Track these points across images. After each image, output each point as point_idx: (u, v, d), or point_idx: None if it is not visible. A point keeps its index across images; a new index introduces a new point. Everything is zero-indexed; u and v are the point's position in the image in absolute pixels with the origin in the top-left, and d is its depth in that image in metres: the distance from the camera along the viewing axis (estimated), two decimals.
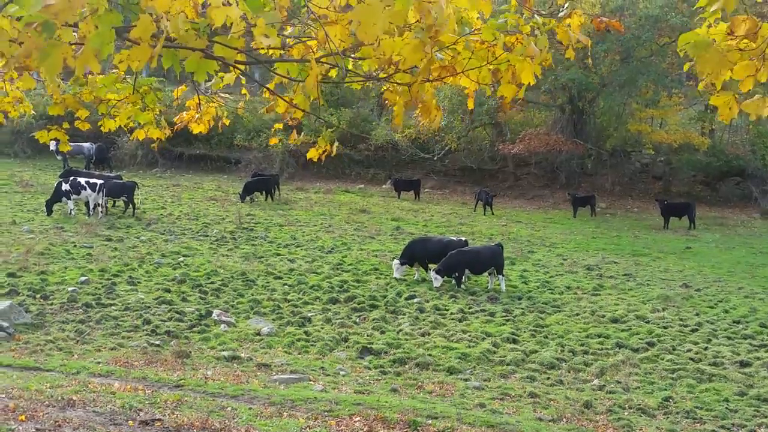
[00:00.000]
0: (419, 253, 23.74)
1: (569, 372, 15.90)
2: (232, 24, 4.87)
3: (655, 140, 49.06)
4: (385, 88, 6.21)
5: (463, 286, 22.52)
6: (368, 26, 4.69)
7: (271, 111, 6.92)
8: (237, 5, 4.88)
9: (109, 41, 4.67)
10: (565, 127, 50.20)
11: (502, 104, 6.75)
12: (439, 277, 22.29)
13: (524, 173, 51.30)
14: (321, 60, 5.98)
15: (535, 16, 5.84)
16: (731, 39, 5.12)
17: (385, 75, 5.82)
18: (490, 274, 23.11)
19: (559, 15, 6.11)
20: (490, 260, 22.95)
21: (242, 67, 6.49)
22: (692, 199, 44.55)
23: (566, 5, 6.04)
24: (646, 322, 19.73)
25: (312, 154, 7.11)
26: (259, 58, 6.32)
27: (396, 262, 23.62)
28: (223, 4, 4.65)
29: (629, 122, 49.83)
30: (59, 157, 47.12)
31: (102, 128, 8.89)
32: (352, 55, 5.94)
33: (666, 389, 14.89)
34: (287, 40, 6.07)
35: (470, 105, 7.37)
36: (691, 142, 48.66)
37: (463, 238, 25.55)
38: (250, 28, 5.19)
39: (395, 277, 23.23)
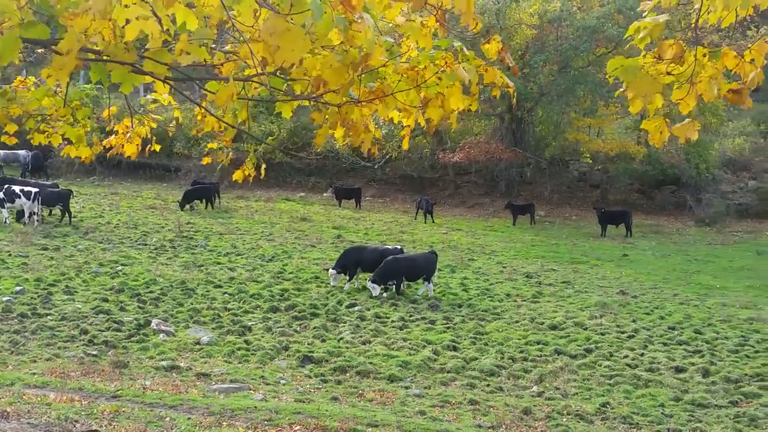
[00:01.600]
0: (354, 262, 23.70)
1: (509, 379, 16.02)
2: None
3: (592, 149, 49.74)
4: (312, 105, 6.21)
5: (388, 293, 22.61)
6: (287, 51, 4.68)
7: (201, 132, 6.90)
8: (160, 21, 4.85)
9: (12, 50, 4.61)
10: (505, 135, 50.66)
11: (429, 128, 6.77)
12: (376, 285, 22.29)
13: (464, 181, 51.66)
14: (251, 79, 5.97)
15: (464, 48, 5.89)
16: (659, 63, 5.25)
17: (314, 95, 5.82)
18: (425, 280, 23.23)
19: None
20: (425, 267, 23.09)
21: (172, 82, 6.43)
22: (629, 207, 45.23)
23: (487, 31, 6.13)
24: (584, 329, 19.98)
25: (237, 175, 7.07)
26: (189, 75, 6.28)
27: (332, 270, 23.57)
28: (138, 18, 4.60)
29: (567, 131, 50.41)
30: None
31: (32, 142, 8.73)
32: (281, 75, 5.93)
33: (603, 395, 15.07)
34: (215, 58, 6.02)
35: (405, 146, 7.39)
36: (627, 151, 49.38)
37: (399, 246, 25.63)
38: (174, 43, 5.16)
39: (332, 285, 23.19)
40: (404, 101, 5.91)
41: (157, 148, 8.77)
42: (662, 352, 18.26)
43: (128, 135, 7.84)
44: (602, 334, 19.58)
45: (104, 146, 8.19)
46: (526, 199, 47.07)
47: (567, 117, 49.74)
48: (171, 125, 9.58)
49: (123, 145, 8.10)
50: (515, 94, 6.31)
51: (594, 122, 51.71)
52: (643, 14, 5.49)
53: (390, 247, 25.51)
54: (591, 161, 50.01)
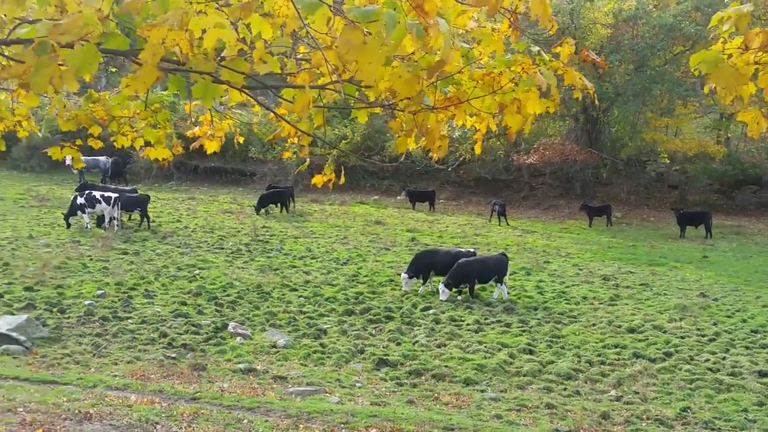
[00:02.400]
0: (426, 265, 23.63)
1: (586, 383, 15.83)
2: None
3: (670, 149, 48.89)
4: (384, 112, 6.19)
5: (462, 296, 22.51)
6: (365, 65, 4.67)
7: (278, 137, 6.93)
8: (236, 29, 4.89)
9: (91, 61, 4.69)
10: (580, 136, 50.15)
11: (508, 135, 6.71)
12: (447, 290, 22.17)
13: (539, 183, 51.23)
14: (325, 87, 5.98)
15: (542, 52, 5.81)
16: (746, 53, 5.11)
17: (388, 102, 5.80)
18: (496, 282, 23.08)
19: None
20: (496, 269, 22.95)
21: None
22: (708, 207, 44.32)
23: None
24: (663, 332, 19.63)
25: (317, 180, 7.08)
26: (267, 84, 6.32)
27: (404, 275, 23.54)
28: (215, 26, 4.65)
29: (644, 131, 49.70)
30: (75, 172, 47.39)
31: (115, 144, 8.93)
32: (356, 81, 5.93)
33: (684, 399, 14.80)
34: (288, 66, 6.05)
35: (477, 150, 7.32)
36: (706, 150, 48.45)
37: (472, 249, 25.50)
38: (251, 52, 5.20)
39: (404, 290, 23.16)
40: (480, 107, 5.86)
41: (241, 139, 8.88)
42: (744, 355, 17.84)
43: (209, 132, 7.94)
44: (682, 337, 19.21)
45: (188, 137, 8.30)
46: (602, 201, 46.46)
47: (643, 117, 49.05)
48: (254, 121, 9.73)
49: (204, 141, 8.19)
50: (595, 94, 6.19)
51: (671, 122, 50.89)
52: (725, 2, 5.36)
53: (463, 249, 25.40)
54: (669, 161, 49.09)
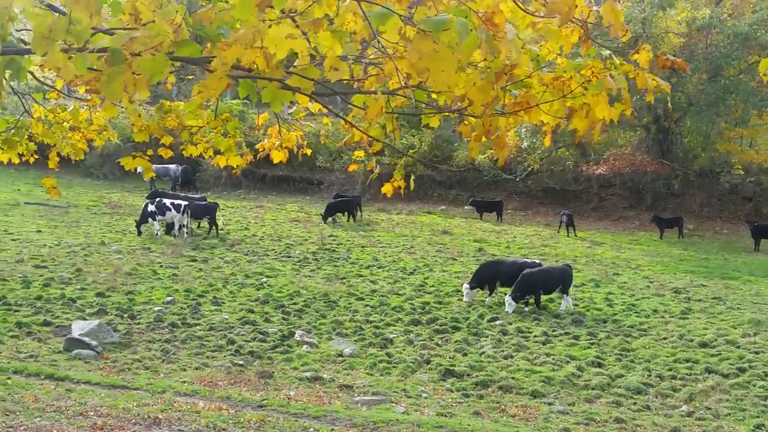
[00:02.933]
0: (490, 276, 23.43)
1: (657, 397, 15.52)
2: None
3: (744, 160, 47.87)
4: (455, 117, 6.15)
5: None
6: (437, 73, 4.64)
7: (349, 143, 6.92)
8: (307, 39, 4.90)
9: (162, 69, 4.73)
10: (651, 147, 49.38)
11: (575, 137, 6.64)
12: (513, 302, 21.90)
13: (609, 194, 50.50)
14: (396, 92, 5.96)
15: (613, 56, 5.70)
16: None
17: (459, 107, 5.75)
18: (562, 292, 22.80)
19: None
20: (560, 279, 22.68)
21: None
22: None
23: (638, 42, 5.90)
24: (736, 347, 19.16)
25: (387, 188, 7.04)
26: (335, 89, 6.32)
27: (465, 285, 23.37)
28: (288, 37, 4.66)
29: (717, 142, 48.78)
30: (146, 180, 48.19)
31: (184, 153, 9.03)
32: (425, 87, 5.90)
33: (758, 416, 14.40)
34: (361, 71, 6.04)
35: (547, 143, 7.22)
36: None
37: (537, 261, 25.24)
38: (323, 60, 5.20)
39: (465, 301, 23.00)
40: (549, 111, 5.78)
41: (308, 151, 8.93)
42: None
43: (277, 143, 7.98)
44: (756, 352, 18.72)
45: (256, 149, 8.38)
46: (673, 212, 45.68)
47: (717, 127, 48.10)
48: (321, 132, 9.82)
49: (271, 151, 8.24)
50: (669, 99, 6.06)
51: (746, 132, 49.84)
52: None
53: (528, 260, 25.17)
54: (743, 173, 48.05)
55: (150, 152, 9.39)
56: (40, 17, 4.60)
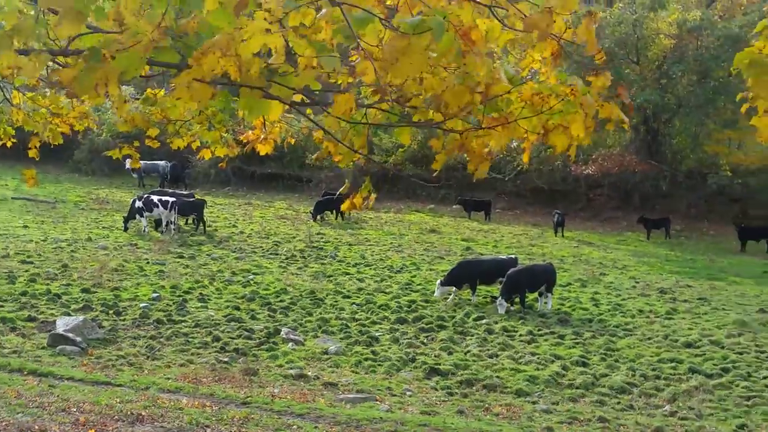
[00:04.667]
0: (468, 275, 23.48)
1: (640, 397, 15.58)
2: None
3: (732, 162, 48.03)
4: (428, 131, 6.17)
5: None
6: (405, 65, 4.64)
7: (321, 157, 6.91)
8: (286, 41, 4.91)
9: (136, 66, 4.74)
10: (640, 147, 49.55)
11: (553, 152, 6.65)
12: (505, 303, 21.94)
13: (597, 194, 50.57)
14: (373, 106, 5.98)
15: (579, 83, 5.71)
16: None
17: (436, 121, 5.76)
18: (540, 293, 22.88)
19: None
20: (544, 277, 22.79)
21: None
22: None
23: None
24: (720, 348, 19.23)
25: (346, 206, 6.98)
26: (314, 99, 6.32)
27: (438, 282, 23.52)
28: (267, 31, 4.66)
29: (706, 143, 48.96)
30: (135, 175, 48.14)
31: (171, 146, 9.02)
32: (400, 102, 5.90)
33: (741, 417, 14.47)
34: (338, 81, 6.04)
35: (525, 159, 7.22)
36: None
37: (514, 256, 25.31)
38: (298, 61, 5.20)
39: (436, 296, 23.12)
40: (527, 127, 5.79)
41: (292, 141, 8.93)
42: None
43: (261, 136, 7.97)
44: (740, 353, 18.80)
45: (241, 141, 8.36)
46: (660, 213, 45.79)
47: (706, 129, 48.27)
48: (303, 126, 9.77)
49: (256, 143, 8.24)
50: (628, 125, 6.06)
51: (734, 134, 49.99)
52: None
53: (505, 257, 25.27)
54: (731, 174, 48.22)
55: (137, 143, 9.37)
56: (7, 15, 4.61)
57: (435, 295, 23.18)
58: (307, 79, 5.21)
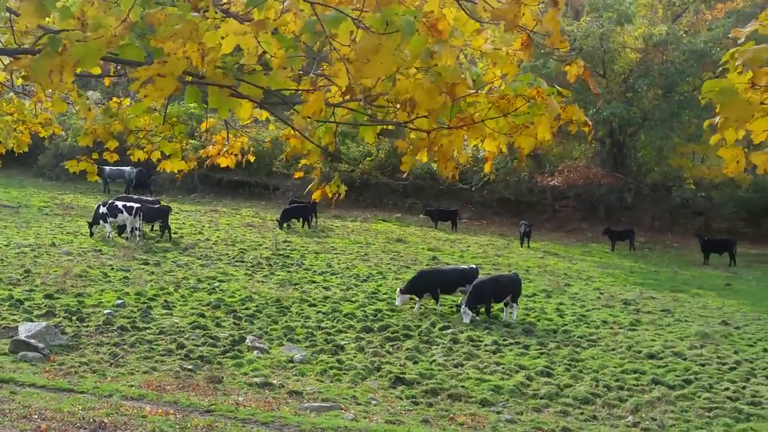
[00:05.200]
0: (428, 285, 23.55)
1: (604, 407, 15.68)
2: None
3: (696, 175, 48.70)
4: (394, 129, 6.21)
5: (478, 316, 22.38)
6: (376, 65, 4.66)
7: (290, 156, 6.93)
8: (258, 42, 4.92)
9: (93, 56, 4.71)
10: (605, 160, 50.01)
11: (519, 156, 6.67)
12: (470, 312, 22.05)
13: (563, 206, 50.94)
14: (342, 105, 6.00)
15: (543, 84, 5.78)
16: (753, 92, 5.03)
17: (404, 120, 5.79)
18: (505, 303, 23.00)
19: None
20: (509, 287, 22.90)
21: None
22: (733, 235, 43.88)
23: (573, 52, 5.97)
24: (683, 359, 19.42)
25: (317, 195, 7.03)
26: (284, 98, 6.33)
27: (399, 291, 23.67)
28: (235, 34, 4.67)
29: (670, 157, 49.51)
30: (100, 181, 47.69)
31: (131, 158, 8.96)
32: (368, 102, 5.92)
33: (702, 428, 14.62)
34: (302, 84, 6.05)
35: (487, 168, 7.27)
36: (732, 178, 48.15)
37: (474, 266, 25.40)
38: (269, 62, 5.21)
39: (397, 305, 23.23)
40: (493, 128, 5.83)
41: (252, 158, 8.92)
42: (765, 385, 17.61)
43: (224, 150, 7.96)
44: (702, 365, 19.00)
45: (201, 156, 8.34)
46: (625, 225, 46.24)
47: (670, 142, 48.77)
48: (267, 141, 9.76)
49: (218, 156, 8.22)
50: (591, 130, 6.15)
51: (699, 148, 50.58)
52: (739, 42, 5.29)
53: (466, 267, 25.39)
54: (694, 188, 48.82)
55: (95, 155, 9.29)
56: None
57: (396, 303, 23.22)
58: (279, 81, 5.21)
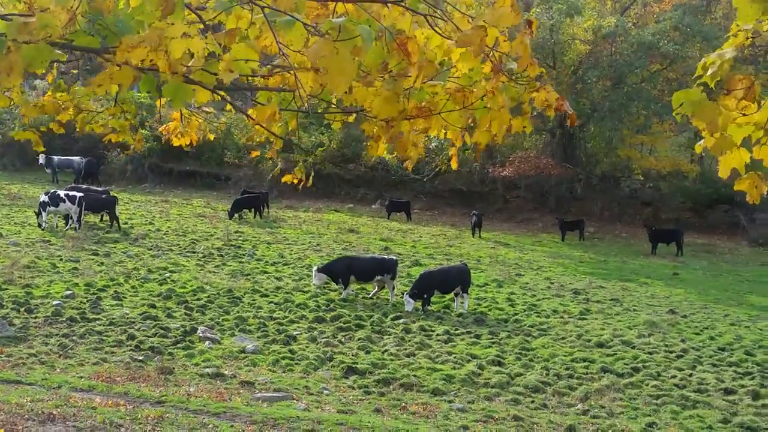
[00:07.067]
0: (346, 270, 23.65)
1: (554, 396, 15.86)
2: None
3: (644, 166, 49.35)
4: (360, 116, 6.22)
5: (429, 307, 22.47)
6: (335, 75, 4.64)
7: (252, 141, 6.92)
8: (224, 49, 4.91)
9: (43, 59, 4.68)
10: (555, 151, 50.45)
11: (476, 150, 6.71)
12: (411, 300, 22.12)
13: (514, 196, 51.35)
14: (296, 110, 6.01)
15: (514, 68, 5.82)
16: (728, 97, 5.10)
17: (361, 108, 5.79)
18: (456, 294, 23.13)
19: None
20: (459, 278, 23.01)
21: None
22: (680, 225, 44.61)
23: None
24: (631, 348, 19.71)
25: (287, 178, 7.06)
26: (240, 85, 6.31)
27: (314, 268, 23.99)
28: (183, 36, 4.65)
29: (619, 148, 50.12)
30: (48, 171, 47.09)
31: (77, 128, 8.81)
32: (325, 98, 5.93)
33: (650, 415, 14.85)
34: (262, 69, 6.03)
35: (454, 165, 7.31)
36: (680, 169, 49.00)
37: (394, 257, 25.38)
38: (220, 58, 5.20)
39: (314, 284, 23.58)
40: (451, 120, 5.86)
41: (211, 137, 8.87)
42: (711, 373, 17.94)
43: (178, 130, 7.90)
44: (650, 353, 19.30)
45: (160, 133, 8.26)
46: (575, 215, 46.72)
47: (619, 133, 49.34)
48: (221, 121, 9.72)
49: (172, 136, 8.16)
50: (569, 118, 6.23)
51: (647, 139, 51.32)
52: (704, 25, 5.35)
53: (385, 257, 25.46)
54: (643, 179, 49.46)
55: (43, 129, 9.14)
56: None
57: (313, 282, 23.53)
58: (226, 75, 5.20)
